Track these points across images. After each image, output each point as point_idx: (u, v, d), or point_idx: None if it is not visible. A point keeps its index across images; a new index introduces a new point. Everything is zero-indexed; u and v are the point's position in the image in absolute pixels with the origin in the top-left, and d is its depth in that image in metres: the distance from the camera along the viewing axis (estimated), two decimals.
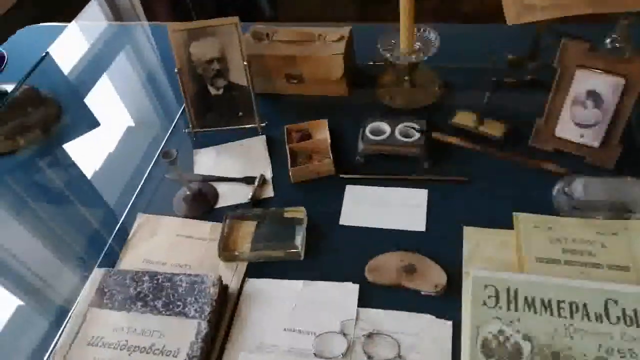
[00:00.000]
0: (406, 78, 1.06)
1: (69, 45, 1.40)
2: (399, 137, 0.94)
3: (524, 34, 1.00)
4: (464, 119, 0.99)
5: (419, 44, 1.01)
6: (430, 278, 0.76)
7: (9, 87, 1.20)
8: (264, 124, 1.04)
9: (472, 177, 0.90)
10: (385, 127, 0.96)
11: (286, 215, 0.88)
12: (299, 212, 0.87)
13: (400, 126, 0.96)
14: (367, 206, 0.89)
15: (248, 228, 0.88)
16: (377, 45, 1.01)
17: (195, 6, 2.09)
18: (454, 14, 1.14)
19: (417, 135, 0.94)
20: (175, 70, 1.00)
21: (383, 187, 0.91)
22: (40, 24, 1.48)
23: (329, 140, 0.98)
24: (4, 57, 1.21)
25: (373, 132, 0.96)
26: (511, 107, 1.01)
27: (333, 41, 1.05)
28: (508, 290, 0.72)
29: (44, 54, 1.32)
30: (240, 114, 1.05)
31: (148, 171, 1.02)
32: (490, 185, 0.89)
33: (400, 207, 0.88)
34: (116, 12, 1.87)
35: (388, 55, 1.00)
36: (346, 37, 1.05)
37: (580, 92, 0.84)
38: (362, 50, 1.13)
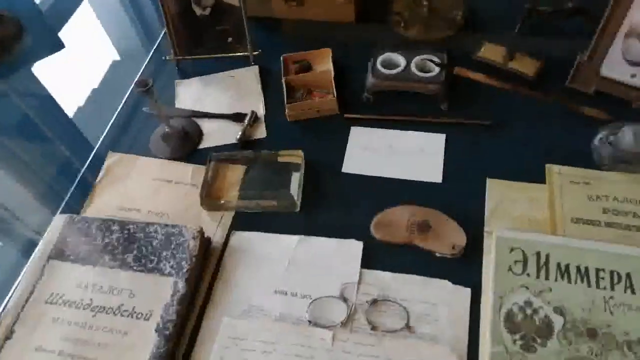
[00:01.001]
0: (424, 3, 0.90)
1: None
2: (415, 71, 0.80)
3: None
4: (491, 53, 0.84)
5: None
6: (447, 237, 0.66)
7: None
8: (257, 53, 0.90)
9: (498, 121, 0.77)
10: (400, 59, 0.82)
11: (280, 159, 0.76)
12: (296, 156, 0.75)
13: (416, 59, 0.81)
14: (375, 152, 0.77)
15: (236, 173, 0.76)
16: None
17: None
18: None
19: (437, 69, 0.80)
20: None
21: (394, 130, 0.79)
22: None
23: (333, 73, 0.84)
24: None
25: (385, 65, 0.82)
26: (547, 41, 0.86)
27: None
28: (538, 254, 0.62)
29: None
30: (230, 39, 0.90)
31: (122, 103, 0.88)
32: (519, 131, 0.76)
33: (413, 154, 0.76)
34: None
35: None
36: None
37: (639, 21, 0.70)
38: None
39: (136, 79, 0.90)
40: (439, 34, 0.90)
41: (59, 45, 0.99)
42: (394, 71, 0.81)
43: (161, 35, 0.98)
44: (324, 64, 0.87)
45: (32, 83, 0.96)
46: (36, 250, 0.68)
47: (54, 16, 1.09)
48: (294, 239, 0.68)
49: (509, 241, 0.63)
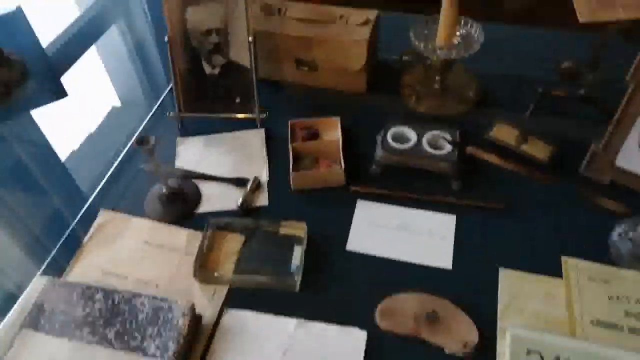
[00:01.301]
0: (437, 78, 0.90)
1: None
2: (426, 147, 0.78)
3: (585, 39, 0.84)
4: (504, 134, 0.83)
5: (459, 38, 0.84)
6: (457, 332, 0.61)
7: None
8: (264, 115, 0.87)
9: (511, 205, 0.75)
10: (411, 133, 0.80)
11: (282, 231, 0.72)
12: (298, 229, 0.71)
13: (428, 134, 0.79)
14: (382, 229, 0.73)
15: (234, 243, 0.71)
16: (410, 33, 0.84)
17: None
18: (502, 12, 0.98)
19: (449, 147, 0.78)
20: (165, 39, 0.83)
21: (402, 207, 0.75)
22: None
23: (341, 143, 0.81)
24: None
25: (396, 139, 0.80)
26: (560, 125, 0.85)
27: (356, 25, 0.88)
28: (557, 359, 0.57)
29: (14, 8, 1.12)
30: (238, 100, 0.88)
31: (119, 159, 0.85)
32: (533, 217, 0.73)
33: (422, 235, 0.72)
34: None
35: (421, 46, 0.83)
36: (372, 22, 0.88)
37: None
38: (387, 42, 0.96)
39: (136, 134, 0.88)
40: (451, 110, 0.89)
41: (61, 93, 0.96)
42: (404, 146, 0.79)
43: (166, 90, 0.96)
44: (332, 132, 0.85)
45: (30, 129, 0.92)
46: (9, 315, 0.62)
47: (59, 60, 1.07)
48: (291, 322, 0.63)
49: (525, 342, 0.58)
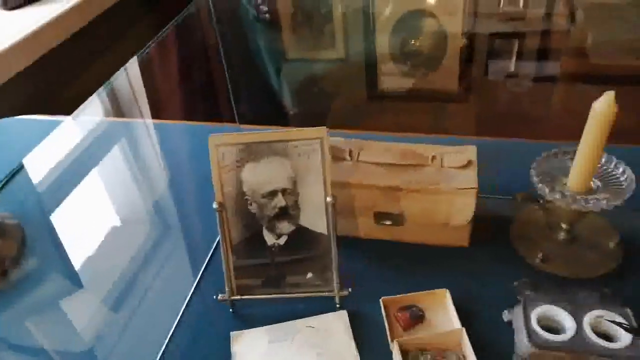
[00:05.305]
0: (564, 226, 0.70)
1: (52, 152, 1.00)
2: (592, 337, 0.55)
3: None
4: None
5: (598, 182, 0.65)
6: None
7: None
8: (346, 292, 0.66)
9: None
10: (564, 317, 0.58)
11: None
12: None
13: (589, 317, 0.57)
14: None
15: None
16: (531, 171, 0.65)
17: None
18: None
19: (627, 338, 0.55)
20: (214, 206, 0.63)
21: None
22: (21, 116, 1.12)
23: (465, 335, 0.59)
24: None
25: (544, 325, 0.57)
26: None
27: (456, 168, 0.69)
28: None
29: (17, 167, 0.92)
30: (310, 275, 0.67)
31: None
32: None
33: None
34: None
35: (546, 191, 0.64)
36: (475, 162, 0.70)
37: None
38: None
39: (169, 336, 0.64)
40: (591, 270, 0.67)
41: (70, 275, 0.74)
42: (561, 337, 0.56)
43: (205, 262, 0.75)
44: (442, 311, 0.63)
45: (27, 329, 0.69)
46: None
47: None
48: None
49: None
